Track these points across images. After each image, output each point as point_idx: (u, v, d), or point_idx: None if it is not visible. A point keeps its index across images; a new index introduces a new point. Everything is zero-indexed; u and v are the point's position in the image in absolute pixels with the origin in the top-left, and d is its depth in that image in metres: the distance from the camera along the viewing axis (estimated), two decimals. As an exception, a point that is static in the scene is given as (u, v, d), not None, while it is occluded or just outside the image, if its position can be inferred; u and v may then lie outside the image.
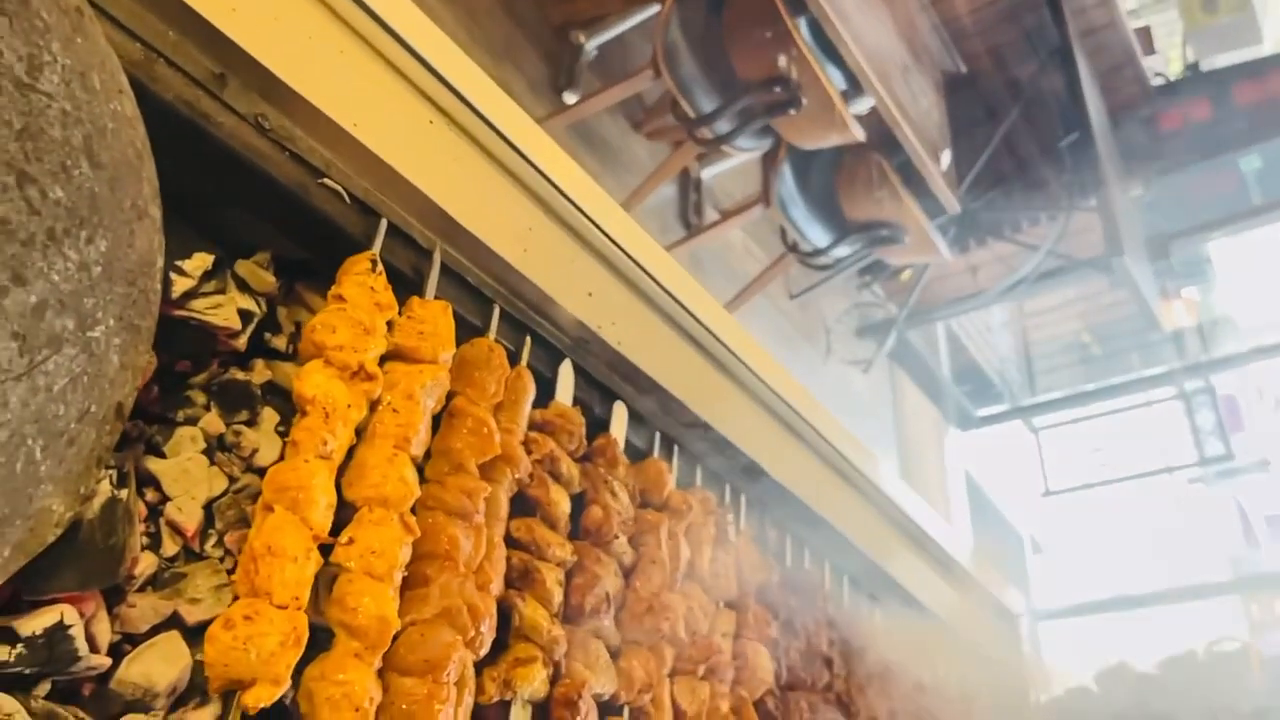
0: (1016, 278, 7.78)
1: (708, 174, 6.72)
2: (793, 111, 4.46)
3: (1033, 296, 10.82)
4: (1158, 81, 7.96)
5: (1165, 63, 8.58)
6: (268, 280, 1.48)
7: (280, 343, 1.54)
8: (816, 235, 6.11)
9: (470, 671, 1.37)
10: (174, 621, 1.25)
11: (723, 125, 4.66)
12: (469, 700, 1.36)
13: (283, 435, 1.46)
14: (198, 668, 1.24)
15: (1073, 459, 12.63)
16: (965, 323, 10.33)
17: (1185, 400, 12.20)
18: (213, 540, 1.37)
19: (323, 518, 1.22)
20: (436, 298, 1.51)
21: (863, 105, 4.88)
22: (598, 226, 1.85)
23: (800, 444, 2.34)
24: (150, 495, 1.33)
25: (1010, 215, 7.95)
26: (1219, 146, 7.33)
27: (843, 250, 6.19)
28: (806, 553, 2.36)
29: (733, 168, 6.67)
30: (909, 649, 2.70)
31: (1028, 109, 7.57)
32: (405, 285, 1.50)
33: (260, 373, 1.51)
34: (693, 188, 6.83)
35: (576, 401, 1.76)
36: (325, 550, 1.26)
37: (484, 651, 1.39)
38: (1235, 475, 16.33)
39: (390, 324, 1.43)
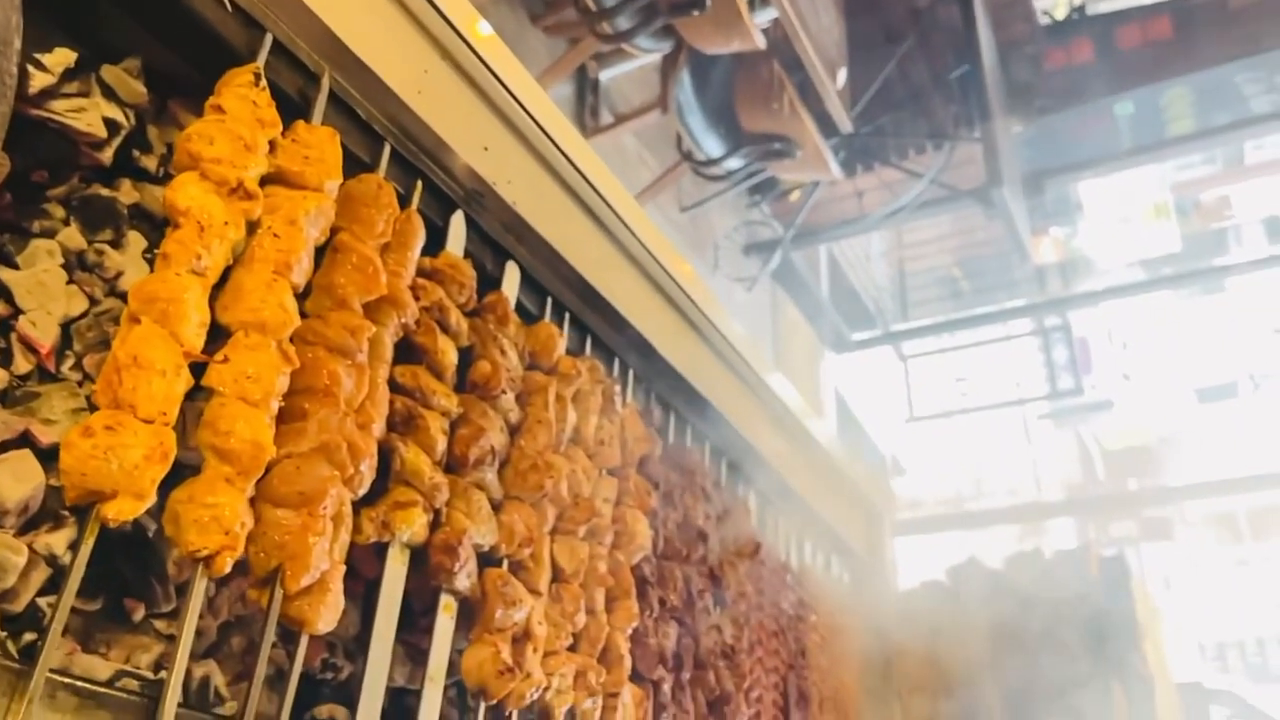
0: (900, 204, 7.96)
1: (606, 76, 6.58)
2: (696, 12, 4.38)
3: (913, 224, 11.14)
4: (1045, 21, 8.18)
5: (1053, 4, 8.81)
6: (137, 90, 1.36)
7: (150, 163, 1.43)
8: (711, 145, 6.09)
9: (348, 509, 1.33)
10: (25, 441, 1.17)
11: (624, 22, 4.55)
12: (345, 538, 1.33)
13: (151, 262, 1.37)
14: (52, 492, 1.16)
15: (937, 388, 13.21)
16: (847, 250, 10.57)
17: (1043, 336, 12.87)
18: (70, 362, 1.28)
19: (194, 335, 1.15)
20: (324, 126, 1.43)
21: (765, 16, 4.83)
22: (499, 81, 1.78)
23: (690, 327, 2.35)
24: (1, 308, 1.23)
25: (898, 142, 8.10)
26: (1098, 89, 7.60)
27: (736, 162, 6.21)
28: (689, 432, 2.39)
29: (632, 71, 6.55)
30: (780, 533, 2.80)
31: (924, 37, 7.68)
32: (290, 110, 1.41)
33: (128, 193, 1.40)
34: (590, 89, 6.69)
35: (468, 255, 1.71)
36: (198, 376, 1.19)
37: (363, 491, 1.36)
38: (1081, 413, 17.43)
39: (273, 146, 1.34)
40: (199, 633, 1.37)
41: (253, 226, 1.29)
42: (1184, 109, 8.77)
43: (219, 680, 1.33)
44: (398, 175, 1.60)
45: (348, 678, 1.48)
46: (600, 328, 2.08)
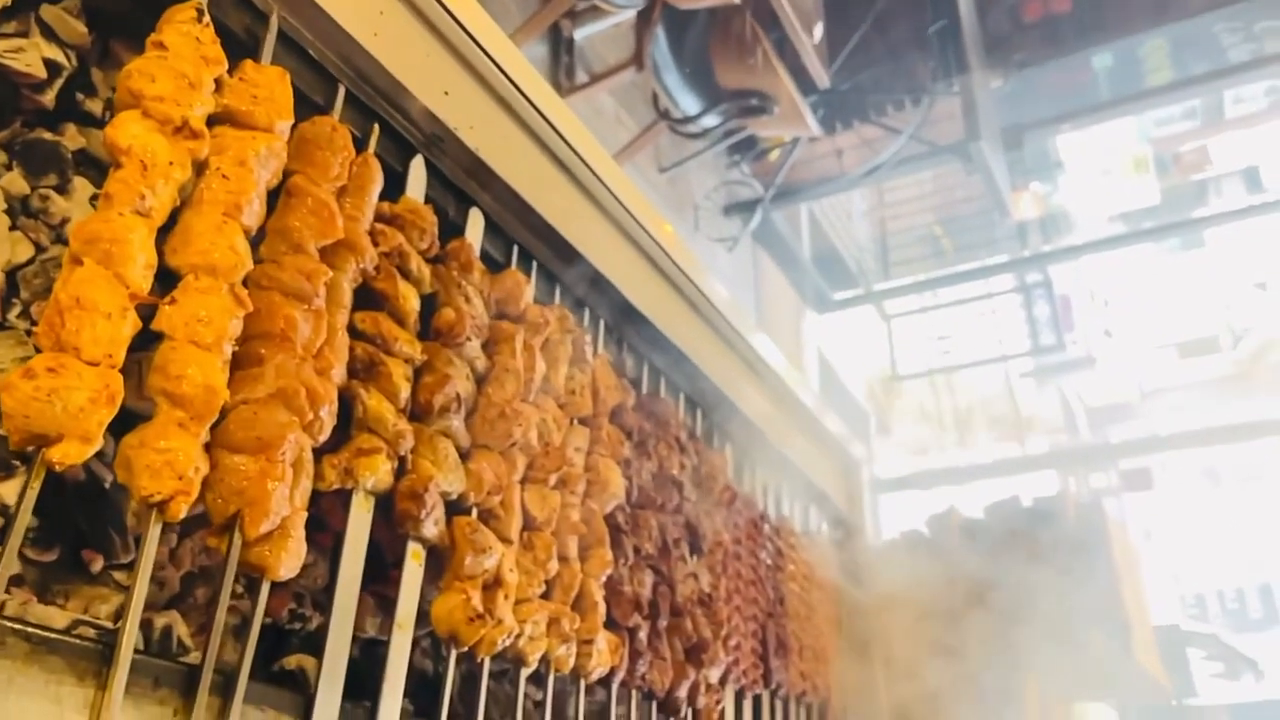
0: (879, 160, 7.93)
1: (581, 34, 6.49)
2: (669, -36, 4.31)
3: (893, 182, 11.10)
4: (1024, -29, 8.11)
5: (1033, -45, 8.72)
6: (78, 29, 1.32)
7: (95, 107, 1.40)
8: (688, 102, 6.03)
9: (308, 455, 1.31)
10: (-29, 389, 1.14)
11: (596, -25, 4.48)
12: (307, 484, 1.31)
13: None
14: (2, 442, 1.14)
15: (920, 346, 13.24)
16: (828, 210, 10.53)
17: (1025, 293, 12.90)
18: (17, 310, 1.25)
19: (140, 276, 1.12)
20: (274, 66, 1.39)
21: (740, -33, 4.77)
22: (458, 23, 1.74)
23: (660, 275, 2.33)
24: (-60, 255, 1.19)
25: (876, 98, 8.05)
26: (1077, 41, 7.56)
27: (713, 119, 6.16)
28: (662, 383, 2.37)
29: (607, 30, 6.46)
30: (758, 483, 2.80)
31: (901, -9, 7.60)
32: (238, 49, 1.37)
33: (73, 137, 1.37)
34: (565, 49, 6.60)
35: (430, 201, 1.68)
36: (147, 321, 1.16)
37: (323, 437, 1.34)
38: (1063, 371, 17.52)
39: (219, 85, 1.30)
40: (162, 583, 1.36)
41: (200, 168, 1.26)
42: (1162, 60, 8.74)
43: (182, 630, 1.31)
44: (354, 118, 1.57)
45: (316, 628, 1.47)
46: (570, 277, 2.05)
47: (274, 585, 1.54)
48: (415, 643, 1.77)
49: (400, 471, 1.48)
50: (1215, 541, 24.72)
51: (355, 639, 1.63)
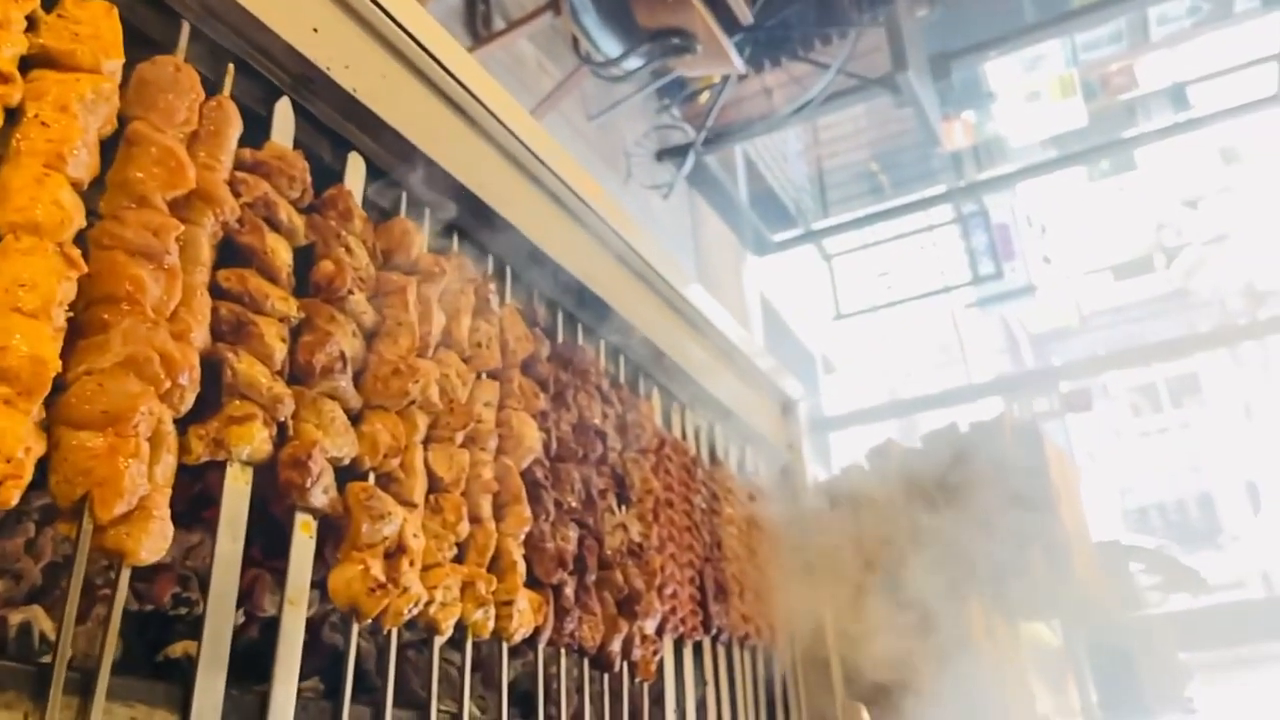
0: (807, 97, 7.84)
1: (494, -20, 6.28)
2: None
3: (827, 119, 11.03)
4: (944, -103, 8.00)
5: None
6: None
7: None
8: (609, 45, 5.87)
9: (168, 428, 1.20)
10: None
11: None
12: (170, 459, 1.20)
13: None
14: None
15: (862, 284, 13.30)
16: (763, 151, 10.44)
17: (962, 223, 12.97)
18: None
19: (-57, 239, 1.00)
20: (100, 1, 1.25)
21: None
22: (320, -49, 1.60)
23: (570, 216, 2.22)
24: None
25: (802, 33, 7.93)
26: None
27: (636, 61, 6.00)
28: (579, 330, 2.28)
29: (522, -27, 6.26)
30: (689, 428, 2.73)
31: (822, -80, 7.47)
32: (56, -16, 1.23)
33: None
34: (480, -3, 6.40)
35: (300, 146, 1.55)
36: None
37: (186, 407, 1.23)
38: (1004, 299, 17.78)
39: (33, 23, 1.17)
40: (19, 576, 1.24)
41: (14, 115, 1.13)
42: (1085, -19, 8.71)
43: (45, 625, 1.21)
44: (204, 58, 1.43)
45: (204, 612, 1.36)
46: (469, 223, 1.94)
47: (157, 570, 1.44)
48: (325, 618, 1.68)
49: (282, 439, 1.37)
50: (1156, 456, 25.50)
51: (253, 619, 1.54)
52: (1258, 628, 8.93)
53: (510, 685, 2.00)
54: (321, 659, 1.61)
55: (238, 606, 1.52)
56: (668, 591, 2.25)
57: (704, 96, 9.08)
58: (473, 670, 1.95)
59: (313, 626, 1.66)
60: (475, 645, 1.90)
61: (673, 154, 8.67)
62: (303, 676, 1.56)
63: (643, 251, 2.46)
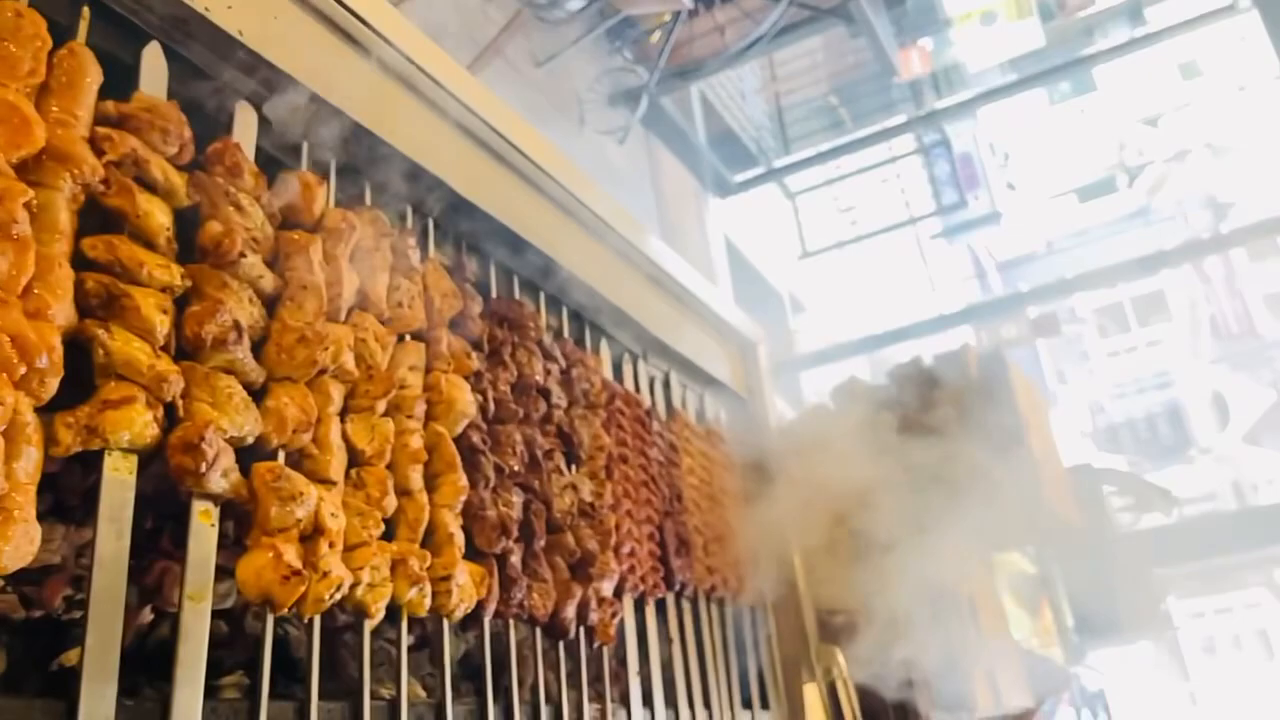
0: (760, 31, 7.65)
1: (426, -79, 6.02)
2: None
3: (783, 55, 10.81)
4: None
5: None
6: None
7: None
8: (549, -15, 5.66)
9: (28, 418, 1.07)
10: None
11: None
12: (34, 453, 1.07)
13: None
14: None
15: (827, 221, 13.19)
16: (720, 91, 10.22)
17: (924, 154, 12.84)
18: None
19: None
20: (-89, -63, 1.10)
21: None
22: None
23: (500, 162, 2.08)
24: None
25: (752, -37, 7.73)
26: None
27: (579, 2, 5.80)
28: (515, 281, 2.15)
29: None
30: (642, 379, 2.62)
31: None
32: None
33: None
34: (413, -60, 6.12)
35: (176, 97, 1.40)
36: None
37: (49, 394, 1.10)
38: (970, 228, 17.74)
39: None
40: (-121, 593, 1.12)
41: None
42: (1036, -105, 8.51)
43: (-91, 646, 1.09)
44: (53, 1, 1.28)
45: (85, 617, 1.25)
46: (381, 175, 1.80)
47: (47, 573, 1.33)
48: (247, 608, 1.57)
49: (172, 422, 1.25)
50: (1124, 375, 25.78)
51: (164, 616, 1.43)
52: (1230, 538, 9.05)
53: (463, 659, 1.92)
54: (248, 651, 1.51)
55: (145, 603, 1.42)
56: (625, 550, 2.16)
57: (655, 36, 8.86)
58: (420, 648, 1.86)
59: (235, 618, 1.56)
60: (420, 622, 1.81)
61: (627, 98, 8.47)
62: (226, 672, 1.46)
63: (583, 197, 2.33)
